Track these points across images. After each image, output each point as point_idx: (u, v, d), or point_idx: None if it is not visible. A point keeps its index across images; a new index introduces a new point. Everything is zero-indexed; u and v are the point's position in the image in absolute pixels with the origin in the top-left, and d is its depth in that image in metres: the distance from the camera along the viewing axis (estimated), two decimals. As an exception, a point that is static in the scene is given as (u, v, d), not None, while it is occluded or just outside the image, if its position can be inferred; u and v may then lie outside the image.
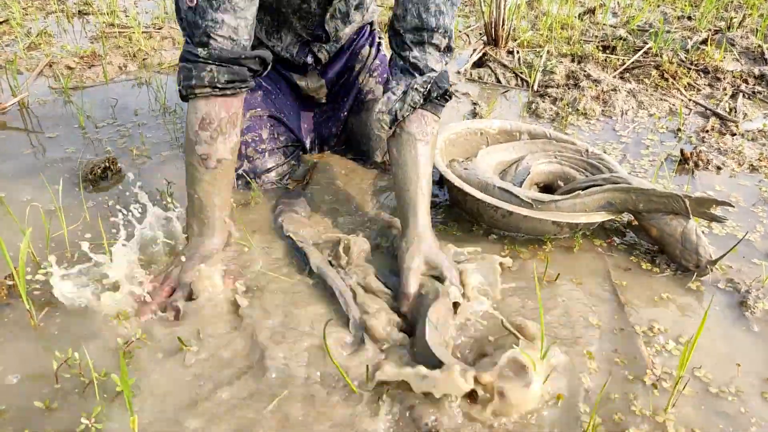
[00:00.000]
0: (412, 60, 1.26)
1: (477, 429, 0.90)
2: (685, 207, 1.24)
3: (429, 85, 1.26)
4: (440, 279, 1.11)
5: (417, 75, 1.26)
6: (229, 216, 1.25)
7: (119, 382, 0.85)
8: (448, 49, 1.28)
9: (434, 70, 1.27)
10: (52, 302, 1.11)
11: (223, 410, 0.91)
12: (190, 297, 1.12)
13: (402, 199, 1.25)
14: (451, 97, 1.32)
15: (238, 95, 1.19)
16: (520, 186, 1.43)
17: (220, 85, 1.14)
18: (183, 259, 1.17)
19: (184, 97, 1.17)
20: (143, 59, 2.39)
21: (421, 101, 1.27)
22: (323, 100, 1.67)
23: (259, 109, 1.52)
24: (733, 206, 1.31)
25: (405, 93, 1.26)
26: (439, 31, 1.24)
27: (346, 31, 1.57)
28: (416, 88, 1.25)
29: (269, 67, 1.25)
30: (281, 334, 1.04)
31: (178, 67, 1.18)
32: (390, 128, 1.29)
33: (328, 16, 1.45)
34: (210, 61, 1.12)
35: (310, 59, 1.52)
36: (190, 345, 1.01)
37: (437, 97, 1.28)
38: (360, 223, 1.40)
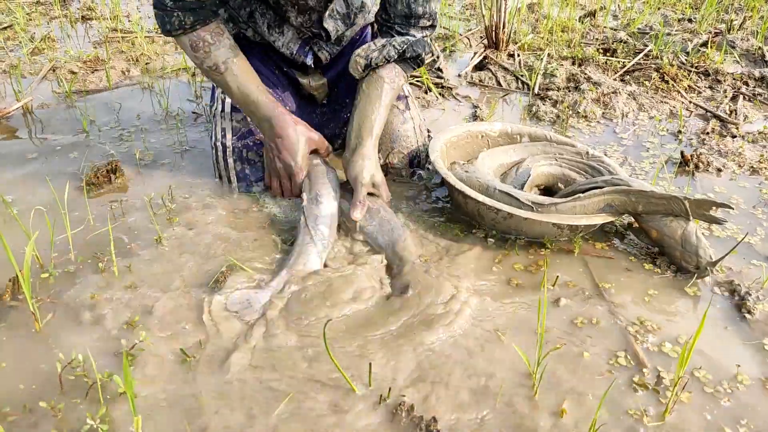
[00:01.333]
0: (396, 31, 1.45)
1: (474, 428, 0.90)
2: (684, 209, 1.25)
3: (405, 46, 1.44)
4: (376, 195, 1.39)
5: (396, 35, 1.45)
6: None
7: (121, 383, 0.85)
8: (432, 27, 1.47)
9: (412, 35, 1.45)
10: (56, 305, 1.12)
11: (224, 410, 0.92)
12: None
13: (360, 122, 1.44)
14: (422, 63, 1.51)
15: (208, 23, 1.35)
16: (522, 188, 1.43)
17: (188, 26, 1.32)
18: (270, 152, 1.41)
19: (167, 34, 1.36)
20: (146, 64, 2.41)
21: (395, 57, 1.44)
22: (324, 101, 1.67)
23: (260, 113, 1.53)
24: (733, 208, 1.31)
25: (383, 46, 1.43)
26: (425, 16, 1.43)
27: (347, 34, 1.58)
28: (393, 45, 1.44)
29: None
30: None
31: (156, 21, 1.35)
32: (363, 71, 1.46)
33: (326, 14, 1.46)
34: (176, 9, 1.30)
35: (309, 60, 1.53)
36: (192, 355, 1.02)
37: (410, 58, 1.47)
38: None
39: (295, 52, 1.52)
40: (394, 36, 1.45)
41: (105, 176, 1.55)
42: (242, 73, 1.39)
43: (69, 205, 1.38)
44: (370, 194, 1.38)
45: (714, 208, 1.27)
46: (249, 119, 1.47)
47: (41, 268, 1.21)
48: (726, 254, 1.24)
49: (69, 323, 1.08)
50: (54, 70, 2.29)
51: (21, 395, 0.94)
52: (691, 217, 1.26)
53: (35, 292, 1.14)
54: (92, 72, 2.31)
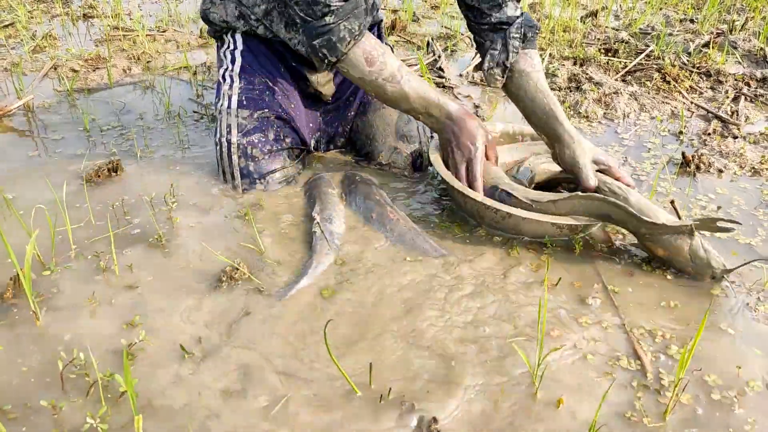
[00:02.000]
0: (495, 21, 1.47)
1: (477, 428, 0.90)
2: (690, 231, 1.23)
3: (522, 29, 1.46)
4: (606, 172, 1.39)
5: (506, 27, 1.47)
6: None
7: (122, 382, 0.85)
8: None
9: (517, 17, 1.47)
10: (56, 303, 1.12)
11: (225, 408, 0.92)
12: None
13: (539, 119, 1.45)
14: (540, 29, 1.57)
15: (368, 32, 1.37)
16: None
17: (357, 32, 1.32)
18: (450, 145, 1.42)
19: (333, 64, 1.36)
20: (147, 62, 2.41)
21: (521, 45, 1.47)
22: (329, 98, 1.67)
23: (267, 110, 1.53)
24: (740, 224, 1.27)
25: (504, 45, 1.46)
26: None
27: None
28: (513, 36, 1.46)
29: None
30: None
31: (311, 48, 1.34)
32: (503, 77, 1.49)
33: None
34: (339, 21, 1.29)
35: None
36: (191, 351, 1.02)
37: (529, 35, 1.48)
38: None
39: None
40: (487, 18, 1.47)
41: (106, 174, 1.55)
42: (412, 77, 1.40)
43: (69, 203, 1.38)
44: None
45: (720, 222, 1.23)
46: (420, 119, 1.46)
47: (42, 266, 1.21)
48: (744, 264, 1.23)
49: (70, 322, 1.08)
50: (55, 68, 2.29)
51: (22, 393, 0.94)
52: (694, 234, 1.23)
53: (36, 290, 1.14)
54: (93, 70, 2.31)
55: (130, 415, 0.89)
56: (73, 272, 1.21)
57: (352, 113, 1.70)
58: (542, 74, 1.48)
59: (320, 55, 1.34)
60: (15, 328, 1.06)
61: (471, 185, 1.39)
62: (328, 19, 1.28)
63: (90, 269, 1.22)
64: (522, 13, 1.48)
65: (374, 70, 1.36)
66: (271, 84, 1.56)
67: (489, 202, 1.32)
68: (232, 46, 1.59)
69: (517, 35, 1.46)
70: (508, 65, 1.47)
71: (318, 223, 1.35)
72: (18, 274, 1.11)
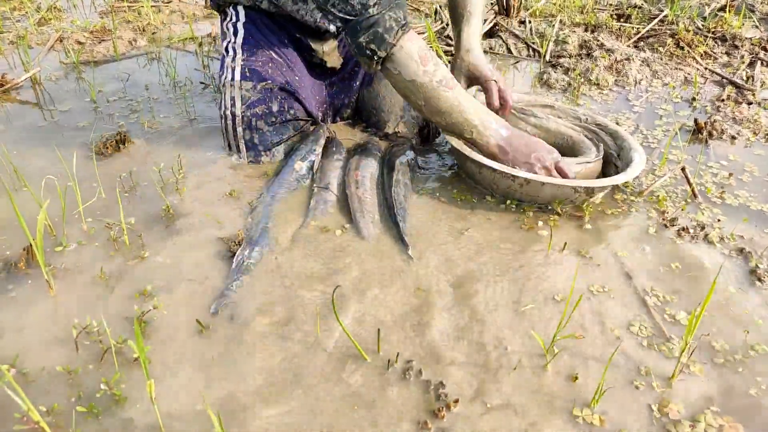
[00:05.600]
0: None
1: (487, 389, 0.91)
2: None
3: None
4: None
5: None
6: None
7: (136, 348, 0.87)
8: None
9: None
10: (68, 273, 1.14)
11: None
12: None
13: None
14: None
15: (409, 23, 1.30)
16: None
17: (403, 21, 1.25)
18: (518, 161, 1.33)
19: (383, 60, 1.28)
20: (153, 33, 2.39)
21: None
22: (337, 66, 1.65)
23: (270, 82, 1.52)
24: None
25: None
26: None
27: None
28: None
29: None
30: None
31: (358, 45, 1.28)
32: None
33: None
34: (383, 11, 1.23)
35: (333, 27, 1.50)
36: (207, 327, 1.03)
37: None
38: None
39: (318, 20, 1.49)
40: None
41: (114, 146, 1.55)
42: (465, 90, 1.38)
43: (78, 175, 1.39)
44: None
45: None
46: (478, 141, 1.36)
47: (53, 237, 1.23)
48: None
49: (82, 291, 1.10)
50: (61, 41, 2.28)
51: (38, 358, 0.96)
52: None
53: (48, 260, 1.16)
54: (99, 42, 2.30)
55: (143, 381, 0.90)
56: (84, 243, 1.22)
57: (358, 84, 1.69)
58: None
59: (368, 52, 1.27)
60: (29, 296, 1.08)
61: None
62: (372, 10, 1.23)
63: (101, 240, 1.23)
64: None
65: (428, 70, 1.26)
66: (274, 56, 1.55)
67: (507, 169, 1.31)
68: (234, 19, 1.57)
69: None
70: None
71: (314, 192, 1.36)
72: (30, 245, 1.13)
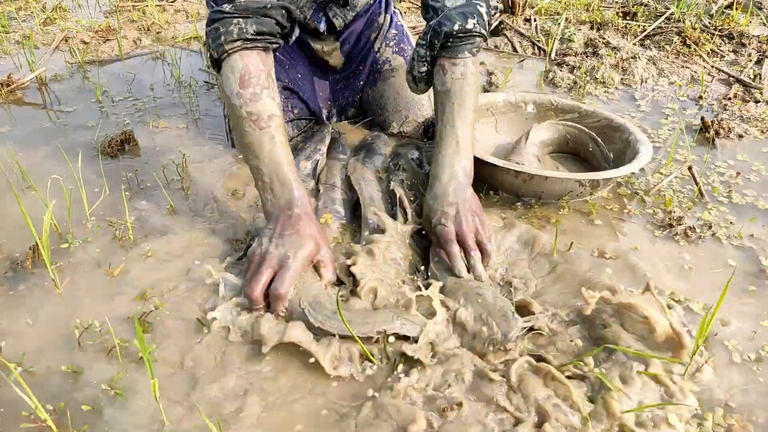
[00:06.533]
0: (431, 3, 1.23)
1: (495, 390, 0.91)
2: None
3: (428, 36, 1.20)
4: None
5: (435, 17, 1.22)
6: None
7: (140, 347, 0.87)
8: None
9: (447, 7, 1.20)
10: (74, 272, 1.14)
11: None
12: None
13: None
14: (467, 35, 1.19)
15: (268, 51, 1.16)
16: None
17: (249, 36, 1.12)
18: (269, 233, 1.05)
19: (216, 62, 1.14)
20: (157, 33, 2.39)
21: (429, 52, 1.22)
22: (339, 65, 1.65)
23: (271, 81, 1.51)
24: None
25: (415, 48, 1.26)
26: None
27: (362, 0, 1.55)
28: (420, 43, 1.23)
29: (295, 31, 1.24)
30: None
31: (205, 35, 1.16)
32: (417, 86, 1.30)
33: None
34: (236, 14, 1.11)
35: (323, 25, 1.50)
36: (207, 322, 1.03)
37: (448, 42, 1.19)
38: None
39: (309, 17, 1.49)
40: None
41: (119, 145, 1.56)
42: (281, 139, 1.11)
43: (84, 174, 1.39)
44: None
45: None
46: (257, 187, 1.12)
47: (59, 236, 1.23)
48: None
49: (87, 290, 1.10)
50: (66, 41, 2.29)
51: (44, 357, 0.96)
52: None
53: (54, 259, 1.16)
54: (104, 41, 2.30)
55: (147, 380, 0.90)
56: (89, 242, 1.22)
57: (362, 83, 1.68)
58: (450, 95, 1.20)
59: (208, 43, 1.15)
60: (36, 295, 1.09)
61: (269, 295, 0.99)
62: (226, 7, 1.12)
63: (106, 239, 1.23)
64: (455, 8, 1.19)
65: (244, 93, 1.09)
66: (278, 55, 1.54)
67: (511, 165, 1.31)
68: None
69: (423, 42, 1.22)
70: (416, 74, 1.26)
71: (321, 193, 1.35)
72: (36, 244, 1.13)
